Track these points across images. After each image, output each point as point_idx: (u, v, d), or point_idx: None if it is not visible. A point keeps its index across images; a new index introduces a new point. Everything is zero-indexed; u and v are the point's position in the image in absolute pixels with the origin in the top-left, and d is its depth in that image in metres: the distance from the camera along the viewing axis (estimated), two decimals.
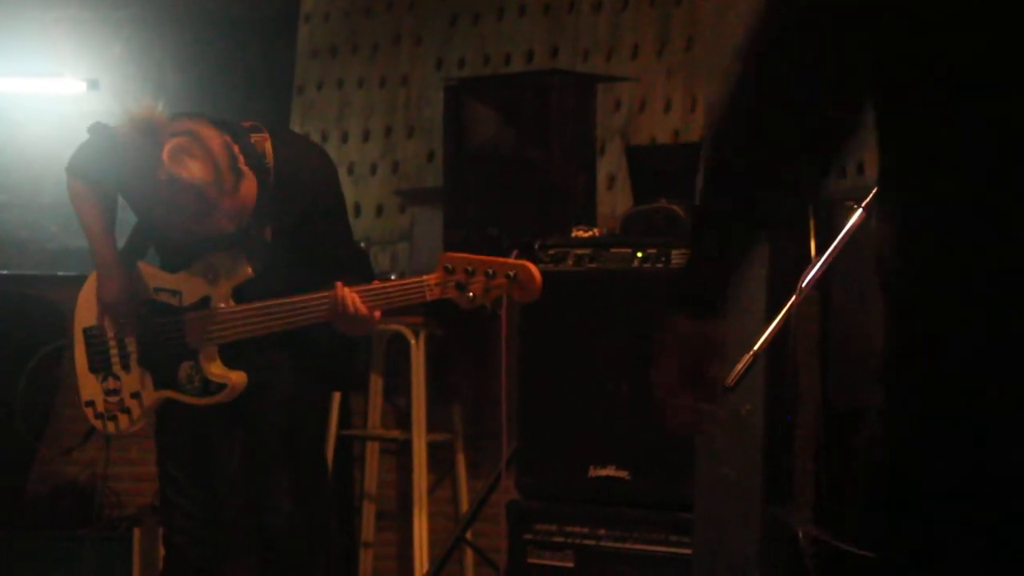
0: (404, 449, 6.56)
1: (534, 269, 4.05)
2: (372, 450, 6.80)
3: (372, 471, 6.76)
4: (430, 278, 4.07)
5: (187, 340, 4.25)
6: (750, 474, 4.76)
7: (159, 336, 4.27)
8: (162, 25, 8.06)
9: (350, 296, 4.05)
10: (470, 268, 4.03)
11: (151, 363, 4.31)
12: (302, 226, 4.18)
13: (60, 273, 4.42)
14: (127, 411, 4.38)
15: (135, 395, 4.34)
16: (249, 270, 4.20)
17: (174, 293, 4.27)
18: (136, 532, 6.09)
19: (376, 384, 6.70)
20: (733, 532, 4.79)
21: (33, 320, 6.51)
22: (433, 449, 6.45)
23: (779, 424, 5.04)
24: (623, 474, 5.25)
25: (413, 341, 6.38)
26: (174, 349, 4.26)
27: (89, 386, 4.44)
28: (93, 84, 8.16)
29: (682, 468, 4.90)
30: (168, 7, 8.00)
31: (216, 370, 4.24)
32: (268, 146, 4.18)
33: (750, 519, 4.80)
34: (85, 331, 4.43)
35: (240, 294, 4.21)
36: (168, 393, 4.30)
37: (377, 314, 4.11)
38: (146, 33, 8.24)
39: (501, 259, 4.12)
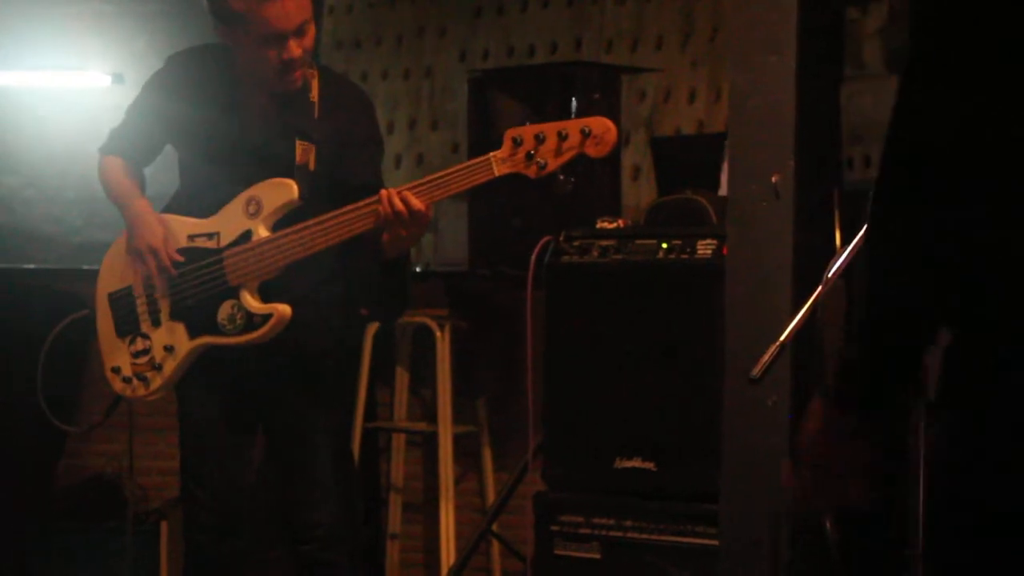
0: (430, 441, 6.56)
1: (608, 121, 3.92)
2: (398, 442, 6.80)
3: (398, 463, 6.77)
4: (497, 153, 3.96)
5: (228, 278, 4.15)
6: (776, 465, 4.75)
7: (197, 280, 4.19)
8: (186, 18, 8.06)
9: (396, 193, 3.96)
10: (540, 134, 3.93)
11: (186, 313, 4.21)
12: (342, 153, 4.17)
13: (85, 267, 4.38)
14: (158, 368, 4.27)
15: (168, 348, 4.23)
16: (295, 192, 4.11)
17: (210, 236, 4.19)
18: (163, 526, 6.11)
19: (402, 377, 6.70)
20: (759, 524, 4.77)
21: (59, 314, 6.53)
22: (459, 441, 6.45)
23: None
24: (649, 465, 5.24)
25: (438, 333, 6.38)
26: (215, 290, 4.16)
27: (114, 352, 4.35)
28: (118, 78, 8.18)
29: (708, 459, 4.88)
30: (191, 1, 8.00)
31: (260, 304, 4.14)
32: (315, 82, 4.21)
33: (776, 510, 4.78)
34: (110, 295, 4.36)
35: (282, 225, 4.15)
36: (206, 339, 4.20)
37: (431, 209, 4.00)
38: (170, 26, 8.24)
39: (572, 120, 4.01)
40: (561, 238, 5.45)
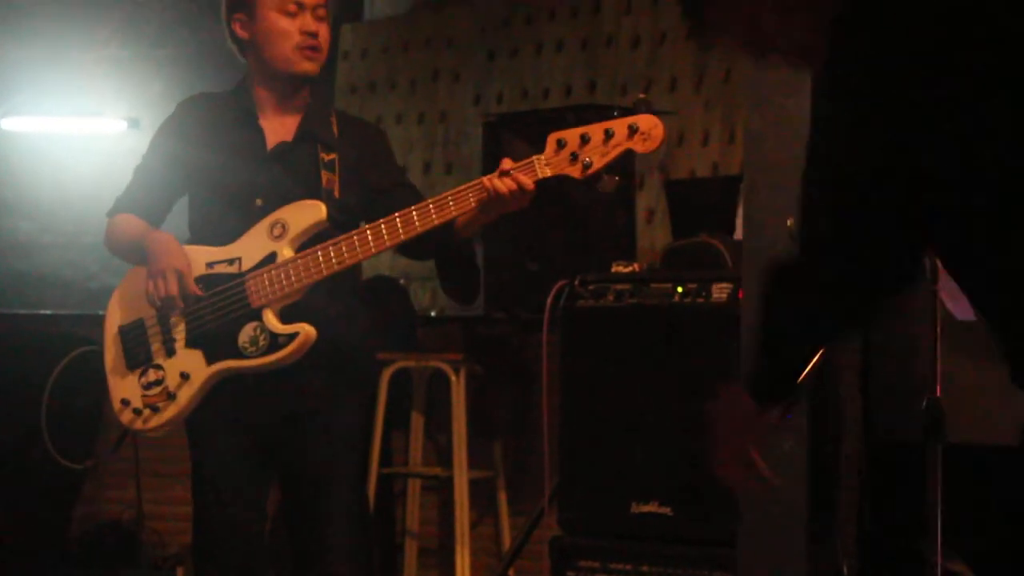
0: (446, 486, 6.55)
1: (656, 118, 3.86)
2: (414, 487, 6.79)
3: (414, 508, 6.75)
4: (540, 157, 3.91)
5: (251, 299, 4.07)
6: (793, 510, 4.73)
7: (216, 305, 4.11)
8: (201, 63, 8.09)
9: (500, 178, 3.90)
10: (585, 135, 3.89)
11: (204, 339, 4.13)
12: (360, 176, 4.17)
13: (101, 312, 4.35)
14: (172, 397, 4.18)
15: (184, 376, 4.13)
16: (323, 212, 4.05)
17: (231, 261, 4.12)
18: (179, 572, 6.10)
19: (417, 421, 6.70)
20: (777, 568, 4.75)
21: (77, 360, 6.54)
22: (475, 486, 6.44)
23: (823, 458, 5.01)
24: (666, 510, 5.22)
25: (453, 378, 6.37)
26: (235, 313, 4.09)
27: (123, 385, 4.25)
28: (134, 123, 8.20)
29: (725, 504, 4.87)
30: (207, 45, 8.03)
31: (284, 324, 4.06)
32: (333, 120, 4.23)
33: (794, 555, 4.76)
34: (120, 328, 4.29)
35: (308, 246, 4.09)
36: (225, 363, 4.10)
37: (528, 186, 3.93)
38: (186, 71, 8.27)
39: (618, 118, 3.98)
40: (576, 282, 5.45)
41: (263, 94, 4.23)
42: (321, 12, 4.17)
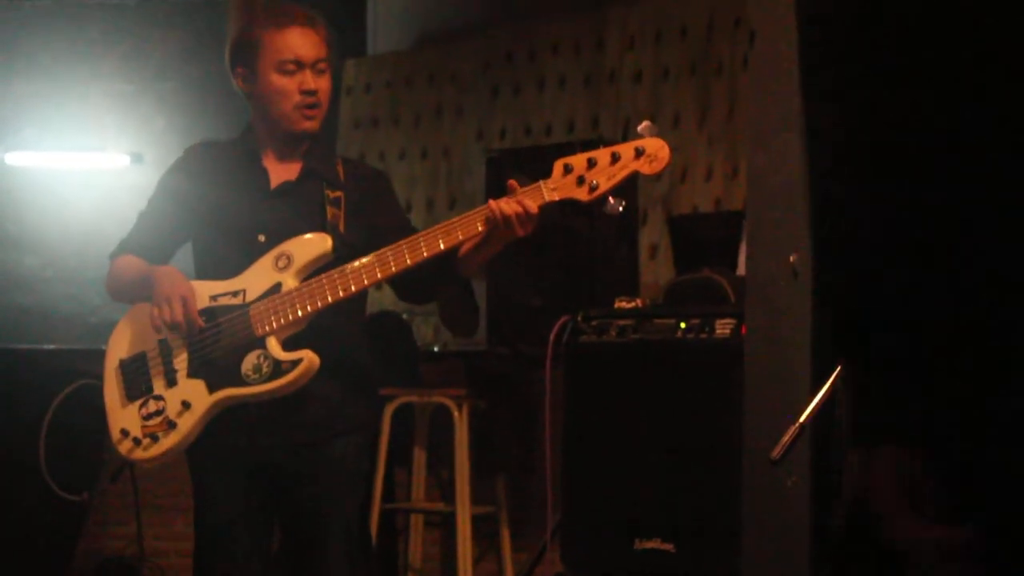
0: (448, 522, 6.54)
1: (662, 141, 3.84)
2: (416, 523, 6.77)
3: (416, 544, 6.74)
4: (547, 181, 3.91)
5: (254, 328, 4.05)
6: (797, 546, 4.72)
7: (220, 334, 4.09)
8: (205, 98, 8.10)
9: (507, 201, 3.89)
10: (592, 159, 3.90)
11: (207, 368, 4.11)
12: (364, 216, 4.18)
13: (103, 347, 4.34)
14: (172, 426, 4.16)
15: (185, 404, 4.09)
16: (328, 244, 4.04)
17: (235, 293, 4.11)
18: None
19: (420, 456, 6.69)
20: None
21: (76, 393, 6.53)
22: (477, 521, 6.43)
23: (826, 494, 5.00)
24: (668, 547, 5.21)
25: (456, 413, 6.37)
26: (239, 342, 4.06)
27: (123, 416, 4.21)
28: (137, 158, 8.21)
29: (728, 540, 4.86)
30: (210, 80, 8.04)
31: (288, 352, 4.03)
32: (339, 164, 4.24)
33: None
34: (121, 362, 4.29)
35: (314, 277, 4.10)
36: (227, 391, 4.06)
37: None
38: (189, 106, 8.29)
39: (624, 142, 3.97)
40: (579, 317, 5.45)
41: (267, 140, 4.24)
42: (321, 66, 4.17)
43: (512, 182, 3.98)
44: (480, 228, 3.96)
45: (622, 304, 5.49)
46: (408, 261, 4.00)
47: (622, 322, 5.39)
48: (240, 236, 4.19)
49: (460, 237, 3.97)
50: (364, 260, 4.03)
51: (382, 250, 4.02)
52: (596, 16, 7.46)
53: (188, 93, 8.31)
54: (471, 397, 6.46)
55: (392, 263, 4.01)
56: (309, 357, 4.04)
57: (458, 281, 4.19)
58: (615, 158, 3.89)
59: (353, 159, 4.49)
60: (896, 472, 2.23)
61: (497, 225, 3.93)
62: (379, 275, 4.03)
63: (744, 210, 5.36)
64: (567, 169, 3.92)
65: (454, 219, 3.97)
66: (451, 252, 4.03)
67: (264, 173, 4.22)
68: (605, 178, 3.88)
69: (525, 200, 3.91)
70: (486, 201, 3.99)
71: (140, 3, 8.52)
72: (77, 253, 8.06)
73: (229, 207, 4.22)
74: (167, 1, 8.50)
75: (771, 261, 4.62)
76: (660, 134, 3.87)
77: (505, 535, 6.55)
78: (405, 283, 4.19)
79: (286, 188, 4.21)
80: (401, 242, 4.01)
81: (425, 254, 3.99)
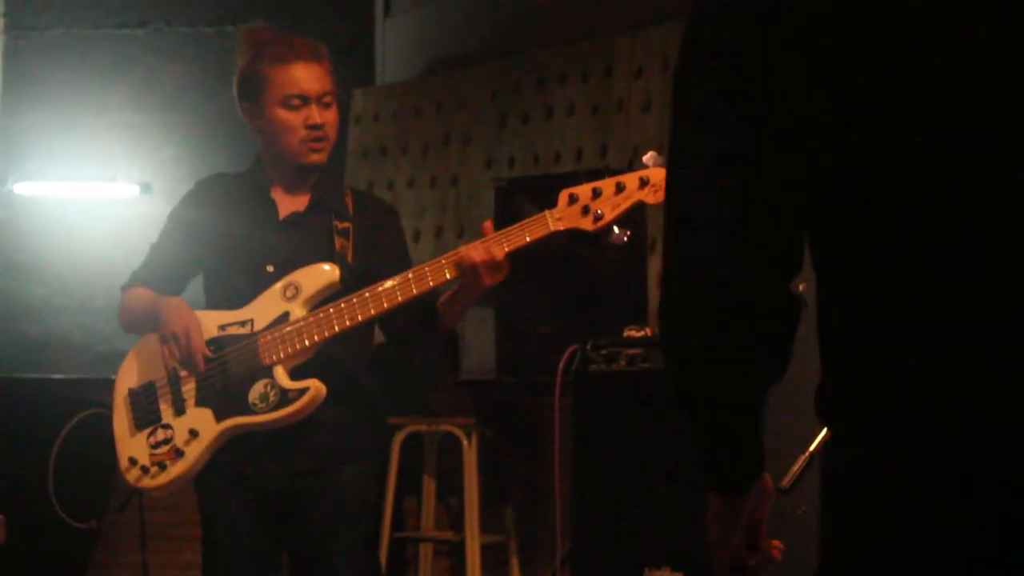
0: (458, 551, 6.53)
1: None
2: (426, 552, 6.76)
3: (426, 573, 6.73)
4: (552, 211, 3.94)
5: (262, 357, 4.08)
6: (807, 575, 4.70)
7: (227, 364, 4.12)
8: (214, 128, 8.12)
9: (475, 246, 3.94)
10: (597, 189, 3.92)
11: (214, 397, 4.12)
12: (373, 250, 4.19)
13: (112, 376, 4.35)
14: (180, 454, 4.19)
15: (193, 432, 4.13)
16: (336, 274, 4.08)
17: (243, 323, 4.15)
18: None
19: (429, 485, 6.68)
20: None
21: (85, 422, 6.54)
22: (486, 551, 6.41)
23: None
24: (678, 575, 5.19)
25: (465, 442, 6.36)
26: (246, 371, 4.09)
27: (131, 445, 4.23)
28: (146, 188, 8.23)
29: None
30: (219, 110, 8.06)
31: (294, 381, 4.07)
32: (348, 199, 4.26)
33: None
34: (130, 391, 4.31)
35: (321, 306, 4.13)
36: (235, 420, 4.09)
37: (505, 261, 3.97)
38: (198, 136, 8.31)
39: (629, 172, 4.00)
40: (588, 346, 5.44)
41: (275, 172, 4.26)
42: (327, 99, 4.19)
43: (487, 224, 4.03)
44: (448, 275, 3.99)
45: (631, 333, 5.48)
46: (414, 290, 4.02)
47: (631, 351, 5.38)
48: (249, 267, 4.20)
49: (431, 283, 4.00)
50: (371, 290, 4.05)
51: (390, 279, 4.05)
52: (604, 45, 7.47)
53: (197, 123, 8.33)
54: (480, 426, 6.45)
55: (399, 293, 4.03)
56: (315, 386, 4.05)
57: (434, 332, 4.23)
58: (620, 188, 3.91)
59: (363, 191, 4.52)
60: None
61: (466, 272, 3.96)
62: (386, 305, 4.04)
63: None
64: (572, 199, 3.94)
65: (423, 265, 4.01)
66: (426, 301, 4.07)
67: (272, 204, 4.24)
68: (610, 208, 3.90)
69: (492, 247, 3.95)
70: (495, 229, 4.01)
71: (149, 33, 8.55)
72: (86, 283, 8.07)
73: (238, 238, 4.24)
74: (177, 31, 8.53)
75: None
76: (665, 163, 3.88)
77: (514, 564, 6.54)
78: (385, 324, 4.23)
79: (294, 219, 4.23)
80: (408, 271, 4.03)
81: (431, 283, 4.01)
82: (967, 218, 1.89)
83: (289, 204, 4.26)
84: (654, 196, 3.90)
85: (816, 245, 2.06)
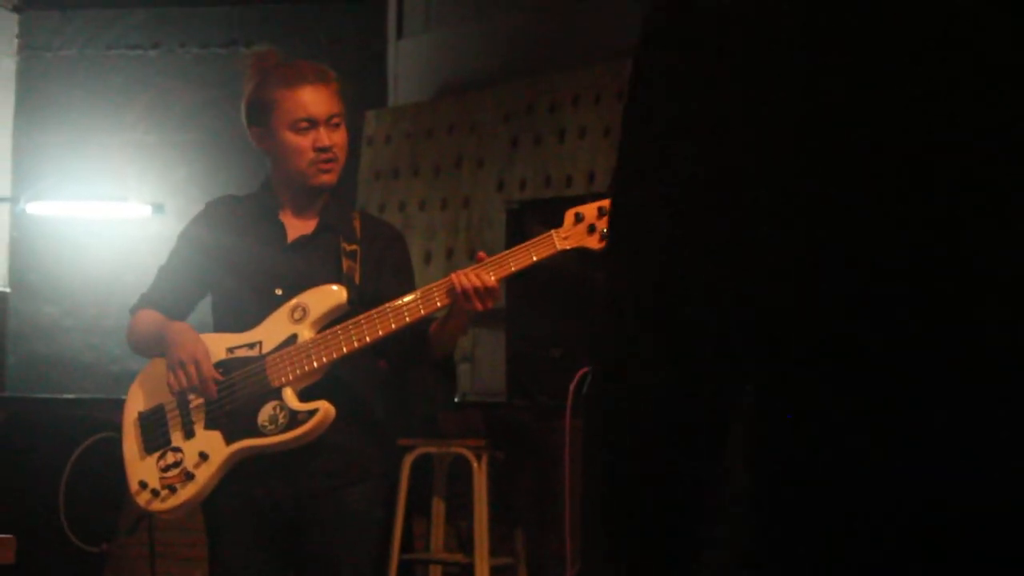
0: (467, 573, 6.51)
1: None
2: (435, 574, 6.75)
3: None
4: (559, 230, 3.96)
5: (270, 379, 4.08)
6: None
7: (236, 387, 4.12)
8: (225, 149, 8.14)
9: (466, 272, 3.96)
10: (603, 208, 3.93)
11: (224, 420, 4.12)
12: (380, 273, 4.20)
13: (123, 396, 4.35)
14: (190, 477, 4.20)
15: (203, 455, 4.12)
16: (344, 296, 4.08)
17: (252, 345, 4.15)
18: None
19: (438, 507, 6.67)
20: None
21: (96, 445, 6.54)
22: (496, 573, 6.40)
23: None
24: None
25: (475, 464, 6.35)
26: (255, 393, 4.09)
27: (141, 468, 4.24)
28: (158, 208, 8.25)
29: None
30: (230, 131, 8.08)
31: (303, 403, 4.07)
32: (356, 222, 4.27)
33: None
34: (140, 414, 4.31)
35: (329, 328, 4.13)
36: (244, 443, 4.09)
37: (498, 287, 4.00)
38: (210, 157, 8.32)
39: None
40: None
41: (284, 195, 4.27)
42: (335, 121, 4.19)
43: (481, 253, 4.04)
44: (439, 303, 3.99)
45: None
46: (423, 311, 4.03)
47: None
48: (257, 289, 4.21)
49: (422, 312, 4.01)
50: (379, 311, 4.06)
51: (397, 300, 4.06)
52: (616, 67, 7.48)
53: (209, 144, 8.35)
54: (490, 448, 6.44)
55: (406, 314, 4.04)
56: (325, 408, 4.05)
57: (429, 359, 4.24)
58: None
59: (371, 215, 4.52)
60: None
61: (458, 298, 3.97)
62: (394, 326, 4.05)
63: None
64: (578, 218, 3.95)
65: (417, 291, 4.03)
66: (418, 328, 4.08)
67: (281, 227, 4.25)
68: None
69: (483, 273, 3.96)
70: (506, 250, 4.03)
71: (162, 54, 8.57)
72: (97, 303, 8.08)
73: (247, 261, 4.24)
74: (189, 52, 8.55)
75: None
76: None
77: None
78: (381, 350, 4.24)
79: (302, 242, 4.24)
80: (417, 291, 4.04)
81: (437, 304, 4.02)
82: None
83: (297, 227, 4.27)
84: None
85: None
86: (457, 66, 8.28)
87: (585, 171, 7.52)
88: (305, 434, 4.06)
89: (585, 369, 5.51)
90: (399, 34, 8.57)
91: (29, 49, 8.56)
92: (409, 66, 8.51)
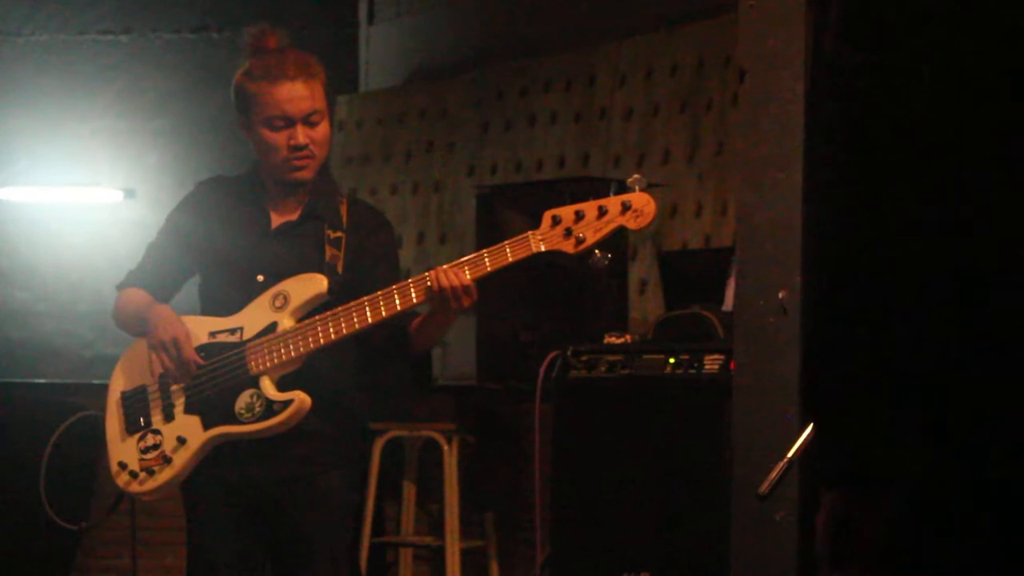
0: (438, 556, 6.55)
1: (648, 196, 3.91)
2: (406, 557, 6.78)
3: None
4: (536, 232, 3.97)
5: (249, 367, 4.12)
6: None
7: (216, 372, 4.16)
8: (196, 134, 8.15)
9: (444, 271, 3.97)
10: (580, 211, 3.95)
11: (202, 405, 4.17)
12: (363, 261, 4.22)
13: (96, 381, 4.37)
14: (168, 461, 4.22)
15: (181, 440, 4.16)
16: (324, 285, 4.11)
17: (233, 331, 4.18)
18: None
19: (409, 490, 6.70)
20: None
21: (76, 425, 6.55)
22: (467, 555, 6.44)
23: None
24: None
25: (446, 447, 6.39)
26: (233, 380, 4.13)
27: (122, 449, 4.27)
28: (130, 193, 8.25)
29: (717, 574, 4.87)
30: (202, 117, 8.09)
31: (280, 392, 4.11)
32: (343, 209, 4.29)
33: None
34: (123, 395, 4.33)
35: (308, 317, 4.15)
36: (221, 429, 4.13)
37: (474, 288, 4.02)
38: (182, 143, 8.34)
39: (612, 196, 4.03)
40: (569, 353, 5.46)
41: (269, 181, 4.29)
42: (314, 118, 4.19)
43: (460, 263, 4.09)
44: (415, 299, 4.02)
45: (611, 339, 5.51)
46: (399, 306, 4.05)
47: (611, 357, 5.41)
48: (240, 275, 4.23)
49: (399, 306, 4.04)
50: (357, 304, 4.08)
51: (375, 294, 4.08)
52: (587, 53, 7.51)
53: (181, 130, 8.36)
54: (460, 432, 6.48)
55: (383, 308, 4.06)
56: (300, 398, 4.08)
57: (409, 352, 4.28)
58: (602, 212, 3.95)
59: (360, 200, 4.53)
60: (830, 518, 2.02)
61: (434, 296, 4.00)
62: (370, 320, 4.07)
63: (733, 246, 5.39)
64: (555, 220, 3.98)
65: (393, 286, 4.05)
66: (399, 322, 4.12)
67: (265, 214, 4.27)
68: (592, 232, 3.94)
69: (460, 272, 3.98)
70: (476, 236, 4.06)
71: (134, 40, 8.57)
72: (70, 288, 8.09)
73: (231, 246, 4.26)
74: (161, 38, 8.56)
75: (760, 298, 4.64)
76: (650, 170, 3.93)
77: (494, 569, 6.56)
78: (362, 341, 4.27)
79: (286, 228, 4.25)
80: (393, 286, 4.06)
81: (415, 300, 4.05)
82: None
83: (283, 213, 4.28)
84: (635, 221, 3.93)
85: None
86: (428, 52, 8.31)
87: (555, 156, 7.55)
88: (280, 424, 4.10)
89: (555, 353, 5.55)
90: (370, 19, 8.59)
91: (0, 35, 8.55)
92: (380, 52, 8.53)
